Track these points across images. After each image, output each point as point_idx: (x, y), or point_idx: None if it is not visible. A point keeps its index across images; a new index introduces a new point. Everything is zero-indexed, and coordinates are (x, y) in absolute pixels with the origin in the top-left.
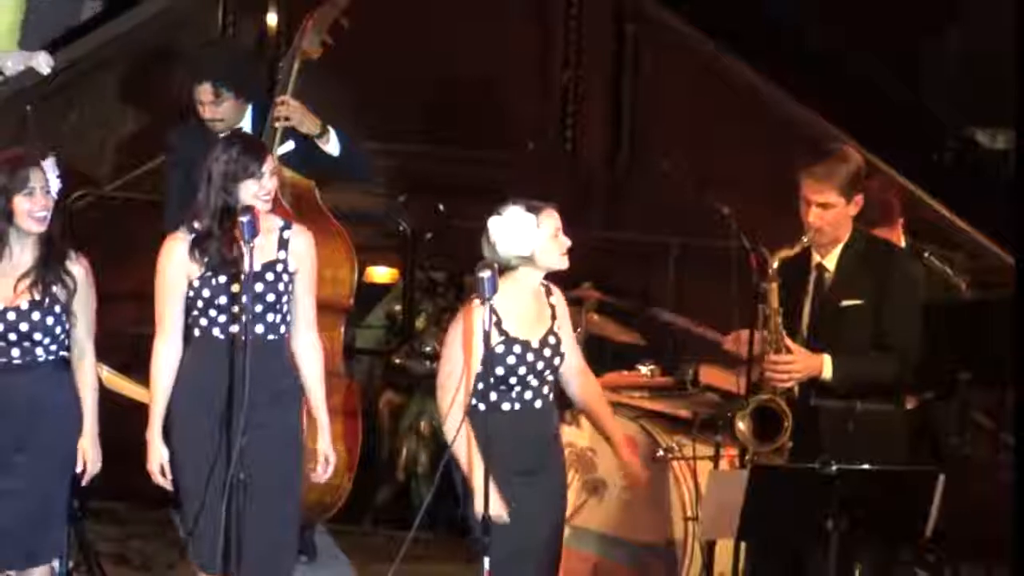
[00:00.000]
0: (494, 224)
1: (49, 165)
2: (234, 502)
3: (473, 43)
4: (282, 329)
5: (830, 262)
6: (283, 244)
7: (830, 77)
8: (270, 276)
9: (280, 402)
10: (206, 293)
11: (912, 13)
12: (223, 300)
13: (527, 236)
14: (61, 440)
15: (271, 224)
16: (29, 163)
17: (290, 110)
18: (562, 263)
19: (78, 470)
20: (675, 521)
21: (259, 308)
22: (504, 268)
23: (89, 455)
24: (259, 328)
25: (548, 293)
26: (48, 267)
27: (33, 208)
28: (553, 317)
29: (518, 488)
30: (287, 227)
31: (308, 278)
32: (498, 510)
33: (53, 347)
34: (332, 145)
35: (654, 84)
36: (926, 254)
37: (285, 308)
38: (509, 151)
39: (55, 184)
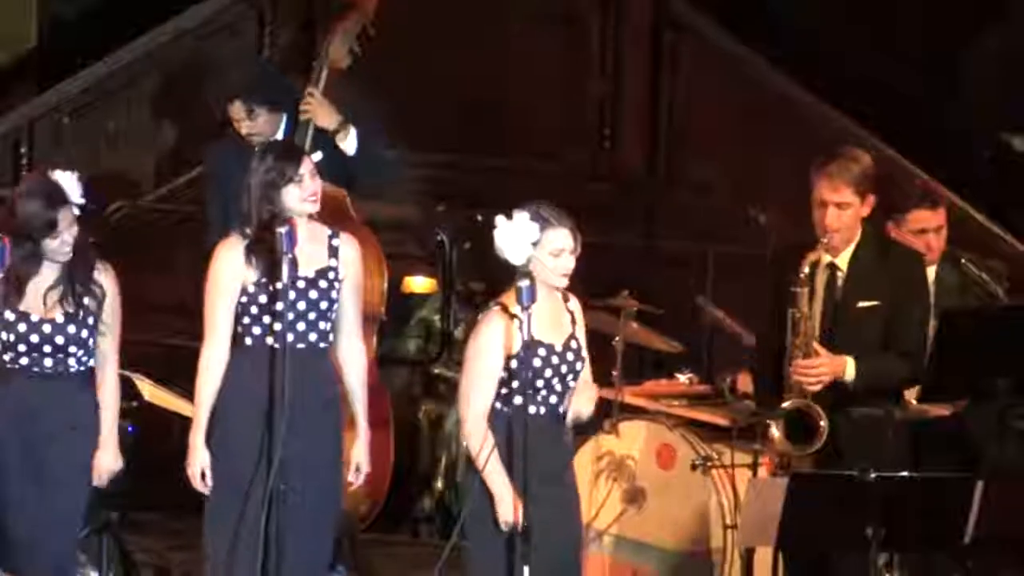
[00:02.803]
0: (500, 224)
1: (70, 183)
2: (274, 512)
3: (509, 51)
4: (331, 337)
5: (842, 262)
6: (333, 251)
7: (865, 83)
8: (323, 283)
9: (328, 410)
10: (262, 299)
11: (948, 17)
12: (279, 307)
13: (522, 246)
14: (85, 448)
15: (319, 232)
16: (56, 204)
17: (310, 101)
18: (557, 282)
19: (95, 482)
20: (714, 529)
21: (313, 315)
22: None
23: (104, 464)
24: (312, 336)
25: (565, 299)
26: (75, 279)
27: (60, 248)
28: (573, 323)
29: (545, 494)
30: (335, 235)
31: (354, 285)
32: (514, 517)
33: (85, 358)
34: (349, 143)
35: (691, 91)
36: (963, 260)
37: (335, 316)
38: (547, 159)
39: (79, 203)
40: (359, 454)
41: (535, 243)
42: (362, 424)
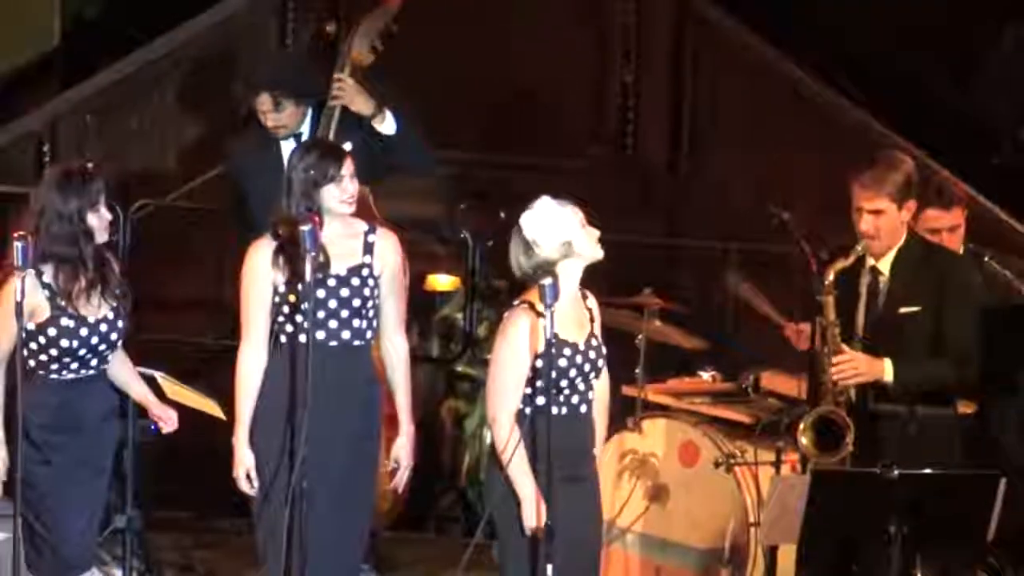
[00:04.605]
0: (529, 220)
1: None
2: (297, 509)
3: (532, 49)
4: (368, 334)
5: (884, 266)
6: (368, 248)
7: (886, 79)
8: (356, 281)
9: (365, 407)
10: (292, 298)
11: (968, 14)
12: (304, 305)
13: (565, 223)
14: (111, 445)
15: (356, 228)
16: (96, 176)
17: (343, 87)
18: (599, 251)
19: (167, 429)
20: (737, 527)
21: (345, 313)
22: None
23: (168, 413)
24: (345, 334)
25: (584, 297)
26: (109, 275)
27: (100, 225)
28: (591, 320)
29: (565, 494)
30: (372, 231)
31: (394, 280)
32: (536, 521)
33: (116, 351)
34: (388, 125)
35: (713, 87)
36: (986, 258)
37: (372, 313)
38: (569, 156)
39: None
40: (400, 450)
41: (572, 218)
42: (405, 420)
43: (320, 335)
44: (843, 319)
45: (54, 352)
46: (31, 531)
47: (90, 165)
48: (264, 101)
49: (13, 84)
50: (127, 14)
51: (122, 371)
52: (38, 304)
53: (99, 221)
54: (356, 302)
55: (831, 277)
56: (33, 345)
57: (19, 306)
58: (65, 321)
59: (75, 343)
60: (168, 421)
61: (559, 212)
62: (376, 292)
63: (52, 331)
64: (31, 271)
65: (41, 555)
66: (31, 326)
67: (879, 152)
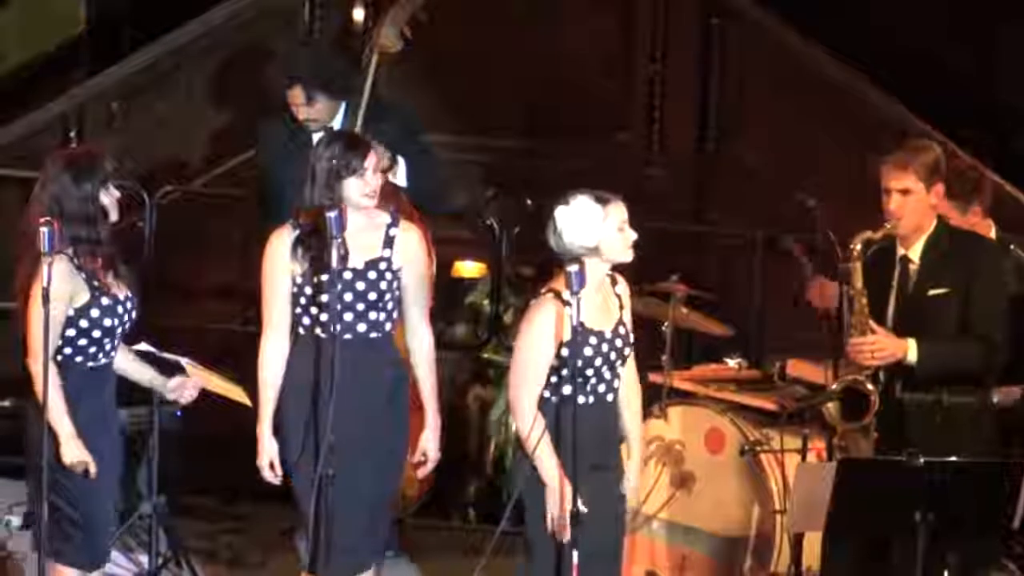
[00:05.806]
0: (561, 213)
1: None
2: (323, 498)
3: (560, 38)
4: (387, 327)
5: (914, 253)
6: (388, 242)
7: (913, 69)
8: (372, 274)
9: (388, 397)
10: (308, 290)
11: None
12: (326, 298)
13: (593, 227)
14: (119, 430)
15: (379, 220)
16: (102, 156)
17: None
18: (627, 256)
19: (188, 398)
20: (763, 514)
21: (361, 306)
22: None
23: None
24: (361, 327)
25: (613, 283)
26: (117, 254)
27: (112, 200)
28: (620, 307)
29: (591, 482)
30: (394, 223)
31: (418, 273)
32: (560, 510)
33: None
34: (400, 177)
35: (740, 78)
36: (1012, 245)
37: (390, 305)
38: (596, 145)
39: None
40: (427, 442)
41: (601, 223)
42: (431, 412)
43: (335, 328)
44: (875, 310)
45: (96, 334)
46: (62, 520)
47: (91, 147)
48: (297, 94)
49: (40, 70)
50: (153, 0)
51: (126, 358)
52: (79, 287)
53: (109, 199)
54: (372, 295)
55: (859, 246)
56: (72, 331)
57: (46, 292)
58: (105, 300)
59: (115, 322)
60: (184, 390)
61: (592, 215)
62: (395, 285)
63: (95, 312)
64: (63, 256)
65: (72, 543)
66: (71, 312)
67: (907, 138)
